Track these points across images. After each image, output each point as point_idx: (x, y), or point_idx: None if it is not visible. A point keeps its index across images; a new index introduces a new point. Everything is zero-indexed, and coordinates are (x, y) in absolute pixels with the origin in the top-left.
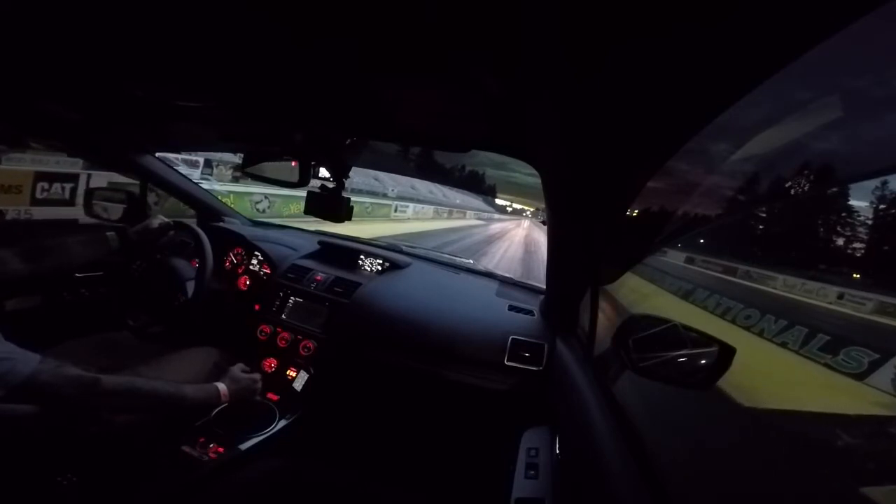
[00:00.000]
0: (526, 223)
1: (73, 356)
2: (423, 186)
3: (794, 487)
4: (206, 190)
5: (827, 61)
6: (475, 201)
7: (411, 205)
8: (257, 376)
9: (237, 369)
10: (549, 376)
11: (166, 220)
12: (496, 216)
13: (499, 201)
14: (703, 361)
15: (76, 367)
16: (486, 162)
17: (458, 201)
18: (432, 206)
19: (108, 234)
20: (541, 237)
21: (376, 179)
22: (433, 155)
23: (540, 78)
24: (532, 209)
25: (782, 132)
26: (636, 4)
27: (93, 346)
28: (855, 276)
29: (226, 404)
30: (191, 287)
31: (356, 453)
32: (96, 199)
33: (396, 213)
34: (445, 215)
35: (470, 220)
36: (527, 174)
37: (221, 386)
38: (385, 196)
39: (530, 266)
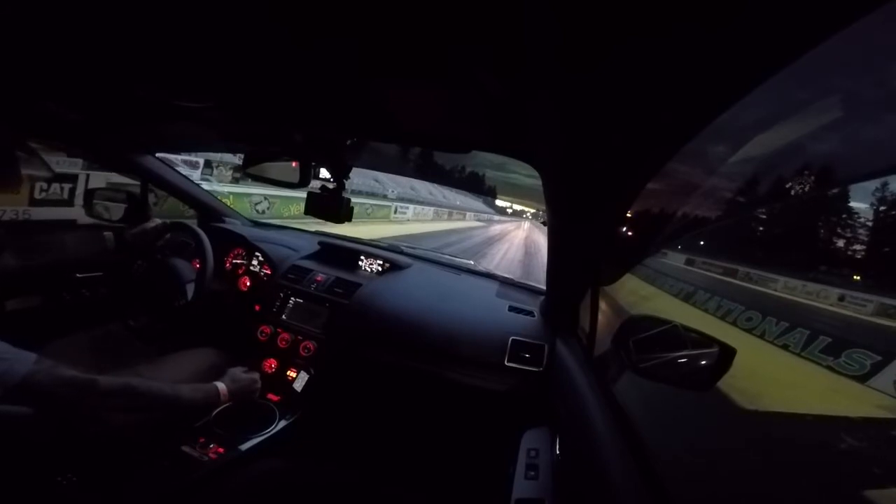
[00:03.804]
0: (526, 225)
1: (72, 356)
2: (423, 187)
3: (795, 489)
4: (206, 190)
5: (827, 61)
6: (475, 203)
7: (411, 206)
8: (257, 376)
9: (237, 370)
10: (549, 377)
11: (162, 222)
12: (496, 218)
13: (499, 203)
14: (703, 362)
15: (73, 368)
16: (486, 163)
17: (458, 203)
18: (432, 208)
19: (105, 233)
20: (541, 239)
21: (376, 180)
22: (433, 156)
23: (541, 78)
24: (532, 211)
25: (782, 133)
26: (637, 4)
27: (92, 346)
28: (856, 277)
29: (225, 404)
30: (191, 288)
31: (356, 454)
32: (97, 199)
33: (396, 214)
34: (445, 217)
35: (470, 222)
36: (526, 175)
37: (221, 386)
38: (385, 197)
39: (530, 268)
